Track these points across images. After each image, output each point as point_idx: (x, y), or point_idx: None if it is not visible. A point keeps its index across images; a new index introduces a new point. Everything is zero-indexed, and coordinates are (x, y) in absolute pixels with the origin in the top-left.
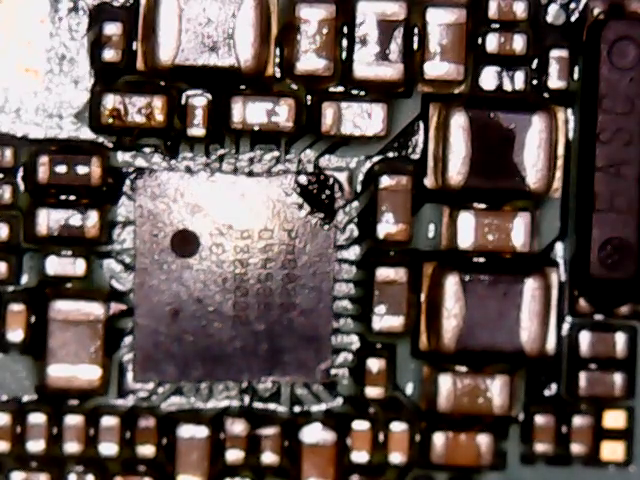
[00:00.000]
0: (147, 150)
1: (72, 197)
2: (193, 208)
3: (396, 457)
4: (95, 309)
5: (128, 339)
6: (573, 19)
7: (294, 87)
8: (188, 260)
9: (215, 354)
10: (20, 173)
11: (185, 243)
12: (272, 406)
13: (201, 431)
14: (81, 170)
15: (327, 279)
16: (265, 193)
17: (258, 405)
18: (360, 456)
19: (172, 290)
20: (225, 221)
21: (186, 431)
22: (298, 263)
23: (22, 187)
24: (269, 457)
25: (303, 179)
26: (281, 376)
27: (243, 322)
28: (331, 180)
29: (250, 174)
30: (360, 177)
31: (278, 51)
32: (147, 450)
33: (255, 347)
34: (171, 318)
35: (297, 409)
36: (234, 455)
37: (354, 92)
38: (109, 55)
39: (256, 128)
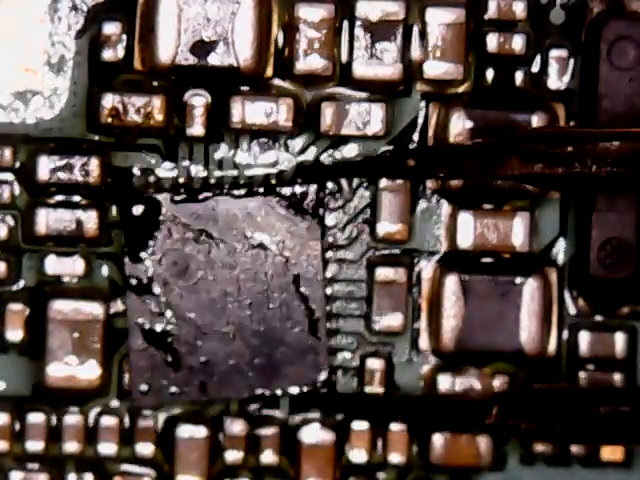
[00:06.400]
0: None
1: (71, 197)
2: (180, 228)
3: (395, 457)
4: (94, 309)
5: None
6: (573, 19)
7: (293, 87)
8: (179, 280)
9: (212, 372)
10: (19, 172)
11: (174, 264)
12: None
13: (200, 431)
14: (80, 170)
15: (318, 289)
16: (250, 207)
17: (257, 406)
18: (359, 456)
19: (164, 312)
20: (212, 239)
21: (185, 431)
22: (288, 274)
23: (21, 187)
24: (268, 457)
25: (290, 189)
26: (279, 389)
27: (238, 338)
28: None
29: (235, 188)
30: (361, 178)
31: (278, 51)
32: (146, 450)
33: (251, 362)
34: (166, 338)
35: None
36: (233, 455)
37: (353, 92)
38: (108, 54)
39: (255, 128)
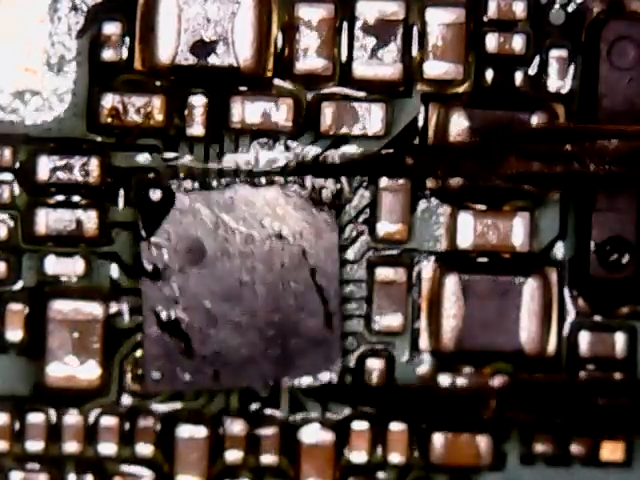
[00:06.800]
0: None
1: (71, 197)
2: (197, 215)
3: (395, 457)
4: (94, 309)
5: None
6: (573, 19)
7: (293, 87)
8: (194, 268)
9: (225, 361)
10: (19, 172)
11: (190, 251)
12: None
13: (200, 431)
14: (80, 170)
15: (334, 280)
16: (268, 197)
17: (257, 405)
18: (359, 456)
19: (179, 299)
20: (229, 227)
21: (185, 431)
22: (305, 265)
23: (21, 187)
24: (268, 457)
25: (307, 181)
26: (292, 380)
27: (252, 328)
28: (335, 181)
29: (251, 177)
30: (360, 177)
31: (277, 51)
32: (146, 450)
33: (265, 352)
34: (180, 326)
35: (296, 409)
36: (233, 455)
37: (353, 92)
38: (108, 54)
39: (255, 128)
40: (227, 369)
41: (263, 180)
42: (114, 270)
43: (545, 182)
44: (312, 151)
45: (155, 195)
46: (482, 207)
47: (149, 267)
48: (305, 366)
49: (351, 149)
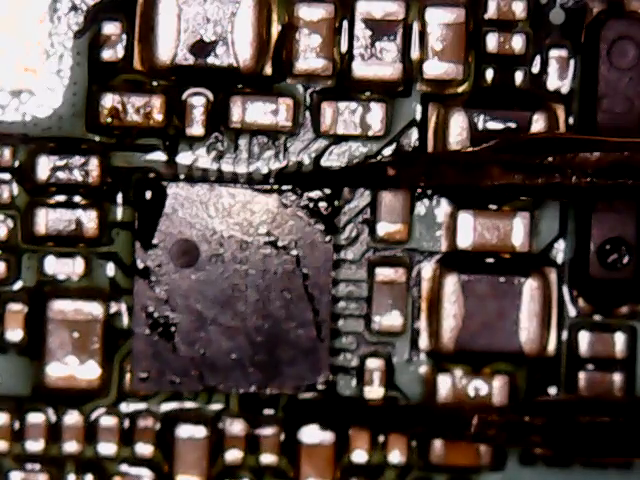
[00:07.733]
0: (146, 150)
1: (71, 197)
2: (193, 218)
3: (395, 457)
4: (94, 309)
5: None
6: (573, 19)
7: (293, 87)
8: (187, 270)
9: (212, 364)
10: (18, 172)
11: (184, 253)
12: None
13: (200, 431)
14: (80, 170)
15: (326, 292)
16: (266, 204)
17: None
18: (359, 456)
19: (170, 300)
20: (224, 232)
21: (185, 431)
22: (298, 274)
23: (20, 187)
24: (268, 457)
25: (305, 190)
26: (279, 388)
27: (241, 333)
28: (334, 193)
29: (250, 183)
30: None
31: (277, 51)
32: (146, 450)
33: (253, 358)
34: (170, 327)
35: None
36: (233, 455)
37: (353, 92)
38: (108, 54)
39: (255, 128)
40: (213, 372)
41: (262, 187)
42: (113, 270)
43: (527, 193)
44: (312, 151)
45: (152, 196)
46: (482, 207)
47: (142, 266)
48: (292, 375)
49: (351, 149)
